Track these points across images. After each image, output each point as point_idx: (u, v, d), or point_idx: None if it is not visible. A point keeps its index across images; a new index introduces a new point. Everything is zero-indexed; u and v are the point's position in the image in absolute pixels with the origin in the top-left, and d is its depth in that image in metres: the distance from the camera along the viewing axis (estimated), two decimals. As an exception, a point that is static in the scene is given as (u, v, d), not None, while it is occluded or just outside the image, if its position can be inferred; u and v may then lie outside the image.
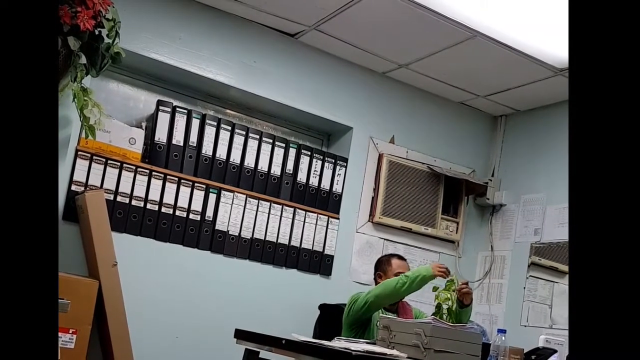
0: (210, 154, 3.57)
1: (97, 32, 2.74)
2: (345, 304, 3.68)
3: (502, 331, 2.43)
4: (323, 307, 3.59)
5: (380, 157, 4.08)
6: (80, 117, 2.78)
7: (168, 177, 3.43)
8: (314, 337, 3.42)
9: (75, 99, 2.72)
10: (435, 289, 2.84)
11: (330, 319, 3.53)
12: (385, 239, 4.09)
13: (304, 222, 3.80)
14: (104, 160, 3.27)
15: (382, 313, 3.31)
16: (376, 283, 3.43)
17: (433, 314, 2.68)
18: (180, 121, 3.50)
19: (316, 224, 3.84)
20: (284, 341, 2.43)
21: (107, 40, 2.78)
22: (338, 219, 3.92)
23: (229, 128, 3.63)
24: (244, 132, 3.67)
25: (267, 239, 3.68)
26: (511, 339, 2.46)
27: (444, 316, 2.70)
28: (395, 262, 3.43)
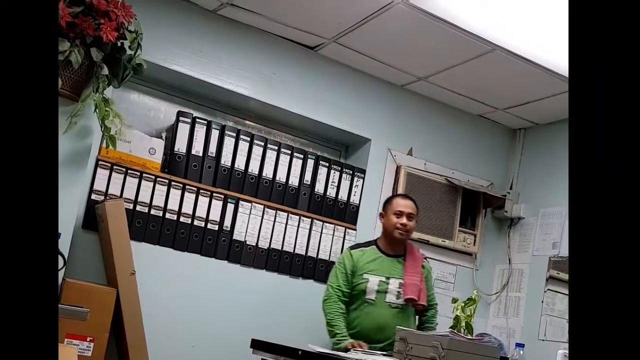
0: (229, 164, 3.59)
1: (119, 44, 2.79)
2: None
3: (520, 345, 2.42)
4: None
5: (398, 168, 4.08)
6: (101, 127, 2.81)
7: (187, 187, 3.46)
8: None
9: (97, 109, 2.75)
10: (454, 300, 2.82)
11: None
12: (402, 251, 4.07)
13: (321, 232, 3.81)
14: (124, 169, 3.31)
15: (379, 254, 3.31)
16: (381, 220, 3.42)
17: (451, 327, 2.66)
18: (200, 132, 3.53)
19: (333, 235, 3.85)
20: (300, 352, 2.43)
21: (129, 51, 2.82)
22: (355, 230, 3.92)
23: (248, 139, 3.65)
24: (262, 143, 3.69)
25: (284, 249, 3.69)
26: (529, 353, 2.46)
27: (462, 329, 2.68)
28: (396, 201, 3.35)
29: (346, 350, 2.92)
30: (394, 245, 3.30)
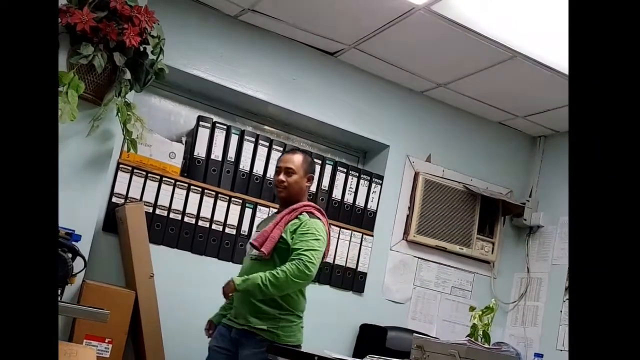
0: (248, 169, 3.61)
1: (142, 49, 2.82)
2: (378, 325, 3.65)
3: (539, 355, 2.40)
4: (363, 327, 3.57)
5: (416, 175, 4.07)
6: (123, 131, 2.84)
7: (206, 191, 3.48)
8: (354, 355, 3.39)
9: (119, 113, 2.79)
10: (472, 308, 2.81)
11: (370, 339, 3.51)
12: (419, 258, 4.06)
13: (338, 238, 3.80)
14: (144, 173, 3.34)
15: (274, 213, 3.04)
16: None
17: (468, 335, 2.64)
18: (220, 136, 3.55)
19: (350, 241, 3.84)
20: (316, 357, 2.43)
21: (151, 56, 2.85)
22: (372, 236, 3.92)
23: (267, 144, 3.66)
24: (281, 148, 3.70)
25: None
26: (547, 363, 2.43)
27: (479, 338, 2.67)
28: (279, 158, 3.07)
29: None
30: (283, 204, 2.94)
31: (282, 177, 2.88)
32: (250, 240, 2.83)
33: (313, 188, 3.77)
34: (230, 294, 2.77)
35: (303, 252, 2.73)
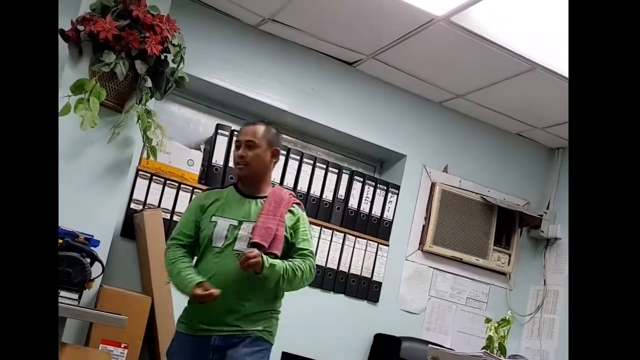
0: (265, 177, 3.62)
1: (163, 57, 2.85)
2: (392, 335, 3.63)
3: (554, 369, 2.38)
4: (378, 337, 3.56)
5: (432, 185, 4.06)
6: (143, 138, 2.87)
7: (223, 198, 3.49)
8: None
9: (140, 121, 2.82)
10: (488, 320, 2.79)
11: (384, 349, 3.51)
12: (434, 268, 4.05)
13: (354, 247, 3.81)
14: (162, 180, 3.36)
15: (236, 194, 2.58)
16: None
17: (483, 348, 2.63)
18: (237, 144, 3.57)
19: (365, 250, 3.84)
20: (331, 367, 2.43)
21: (172, 64, 2.89)
22: (388, 245, 3.91)
23: (284, 153, 3.67)
24: (298, 157, 3.71)
25: (316, 263, 3.68)
26: (564, 377, 2.42)
27: (495, 350, 2.65)
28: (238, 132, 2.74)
29: (193, 296, 2.40)
30: (247, 184, 2.58)
31: (242, 152, 2.52)
32: (255, 240, 2.43)
33: (329, 197, 3.77)
34: (255, 269, 2.35)
35: (310, 254, 2.57)
